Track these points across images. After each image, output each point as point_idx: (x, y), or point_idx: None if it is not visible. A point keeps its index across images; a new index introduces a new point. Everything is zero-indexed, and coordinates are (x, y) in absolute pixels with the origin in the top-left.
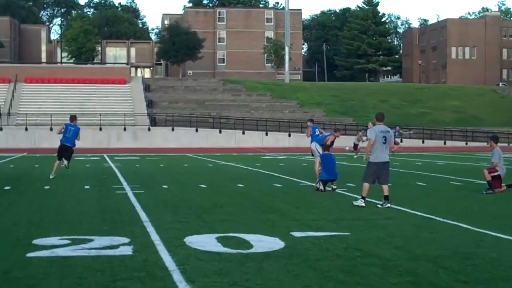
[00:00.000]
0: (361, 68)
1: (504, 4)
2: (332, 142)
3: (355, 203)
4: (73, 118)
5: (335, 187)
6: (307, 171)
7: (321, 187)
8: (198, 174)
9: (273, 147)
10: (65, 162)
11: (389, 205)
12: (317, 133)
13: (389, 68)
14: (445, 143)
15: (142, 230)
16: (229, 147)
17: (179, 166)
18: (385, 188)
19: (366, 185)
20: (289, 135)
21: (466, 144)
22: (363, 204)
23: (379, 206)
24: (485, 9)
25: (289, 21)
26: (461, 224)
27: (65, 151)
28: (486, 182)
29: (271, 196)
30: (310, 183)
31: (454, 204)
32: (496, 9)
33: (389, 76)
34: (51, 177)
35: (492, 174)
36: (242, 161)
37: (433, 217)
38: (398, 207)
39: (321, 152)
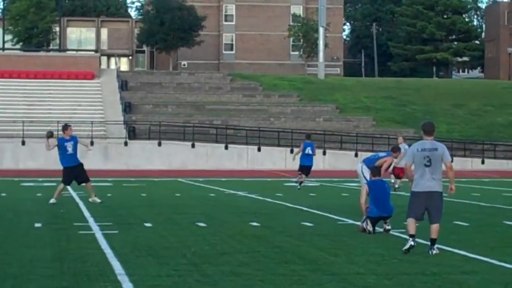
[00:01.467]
0: (426, 58)
1: None
2: (389, 166)
3: (404, 248)
4: (65, 127)
5: (389, 227)
6: (349, 204)
7: (369, 227)
8: (194, 207)
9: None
10: (89, 191)
11: (436, 251)
12: (308, 152)
13: (466, 58)
14: None
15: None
16: (238, 169)
17: (168, 196)
18: (433, 228)
19: (409, 221)
20: (324, 153)
21: None
22: (412, 243)
23: (431, 252)
24: None
25: None
26: None
27: (77, 172)
28: None
29: (297, 240)
30: (353, 222)
31: None
32: None
33: (467, 70)
34: (51, 202)
35: None
36: (257, 189)
37: None
38: (479, 256)
39: (369, 178)
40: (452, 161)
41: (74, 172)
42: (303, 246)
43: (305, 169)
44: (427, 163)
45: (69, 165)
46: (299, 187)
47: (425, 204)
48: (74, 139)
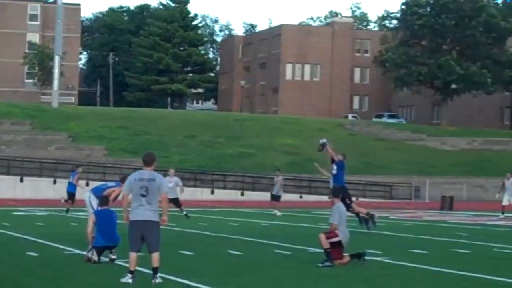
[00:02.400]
0: (162, 89)
1: (359, 8)
2: (117, 196)
3: (122, 280)
4: None
5: (114, 256)
6: (77, 233)
7: (95, 256)
8: None
9: (31, 199)
10: None
11: (158, 280)
12: (71, 180)
13: (200, 90)
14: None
15: None
16: None
17: None
18: (153, 257)
19: (130, 256)
20: (54, 182)
21: (301, 197)
22: (130, 281)
23: (153, 281)
24: (334, 14)
25: (61, 20)
26: None
27: None
28: (323, 250)
29: (21, 270)
30: (80, 251)
31: (279, 282)
32: (349, 13)
33: (201, 101)
34: None
35: (331, 240)
36: None
37: None
38: (201, 285)
39: (96, 208)
40: (182, 191)
41: None
42: (26, 277)
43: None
44: (144, 192)
45: None
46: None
47: (141, 233)
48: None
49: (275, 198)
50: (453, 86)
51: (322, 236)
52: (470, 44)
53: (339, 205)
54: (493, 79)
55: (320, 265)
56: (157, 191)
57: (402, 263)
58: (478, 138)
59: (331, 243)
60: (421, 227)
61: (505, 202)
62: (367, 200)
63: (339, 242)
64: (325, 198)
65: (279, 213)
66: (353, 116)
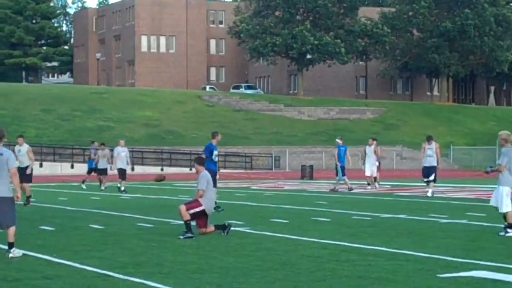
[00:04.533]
0: (15, 63)
1: None
2: None
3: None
4: None
5: None
6: None
7: None
8: None
9: None
10: None
11: (13, 254)
12: None
13: (55, 63)
14: (133, 168)
15: None
16: None
17: None
18: (8, 232)
19: None
20: None
21: (162, 169)
22: None
23: (7, 255)
24: None
25: None
26: (149, 282)
27: None
28: (183, 222)
29: None
30: None
31: (140, 255)
32: None
33: (56, 75)
34: None
35: (193, 211)
36: None
37: (111, 273)
38: (63, 260)
39: None
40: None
41: None
42: None
43: None
44: None
45: None
46: None
47: None
48: None
49: (102, 171)
50: (308, 56)
51: (183, 208)
52: (322, 14)
53: (205, 172)
54: (346, 49)
55: (181, 237)
56: (6, 165)
57: (264, 232)
58: (334, 107)
59: (194, 213)
60: (282, 196)
61: (367, 172)
62: (228, 171)
63: (203, 211)
64: (186, 170)
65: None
66: (210, 88)
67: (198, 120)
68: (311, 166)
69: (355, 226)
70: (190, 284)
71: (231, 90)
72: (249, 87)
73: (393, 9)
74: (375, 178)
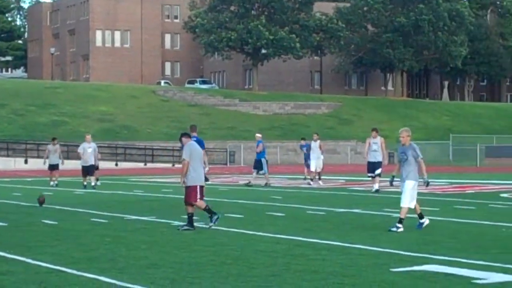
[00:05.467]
0: None
1: None
2: None
3: None
4: None
5: None
6: None
7: None
8: None
9: None
10: None
11: None
12: None
13: (9, 58)
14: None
15: None
16: None
17: None
18: None
19: None
20: None
21: (117, 165)
22: None
23: None
24: None
25: None
26: (102, 278)
27: None
28: (187, 214)
29: None
30: None
31: (94, 250)
32: None
33: (10, 69)
34: None
35: (198, 196)
36: None
37: (65, 269)
38: (17, 256)
39: None
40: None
41: None
42: None
43: None
44: None
45: None
46: None
47: None
48: None
49: (54, 167)
50: (263, 51)
51: (200, 203)
52: (277, 9)
53: (191, 142)
54: (301, 43)
55: (180, 228)
56: None
57: (219, 227)
58: (289, 102)
59: (200, 195)
60: (237, 191)
61: (312, 167)
62: None
63: (201, 187)
64: (141, 165)
65: (52, 183)
66: (165, 82)
67: (153, 115)
68: (266, 161)
69: (310, 221)
70: (144, 279)
71: (186, 85)
72: (204, 82)
73: (348, 4)
74: (319, 174)
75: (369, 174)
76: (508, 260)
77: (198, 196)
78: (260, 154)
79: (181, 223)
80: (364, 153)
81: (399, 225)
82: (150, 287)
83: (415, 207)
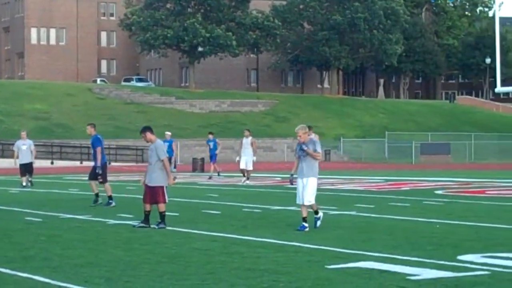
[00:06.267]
0: None
1: None
2: None
3: None
4: None
5: None
6: None
7: None
8: None
9: None
10: None
11: None
12: None
13: None
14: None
15: None
16: None
17: None
18: None
19: None
20: None
21: (52, 163)
22: None
23: None
24: None
25: None
26: (36, 277)
27: None
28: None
29: None
30: None
31: (27, 250)
32: None
33: None
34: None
35: (166, 196)
36: None
37: None
38: None
39: None
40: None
41: None
42: None
43: None
44: None
45: None
46: None
47: None
48: None
49: None
50: (200, 49)
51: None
52: (214, 7)
53: (159, 141)
54: (238, 41)
55: (155, 227)
56: None
57: (154, 226)
58: (226, 100)
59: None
60: (173, 189)
61: (242, 165)
62: (119, 164)
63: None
64: (76, 163)
65: None
66: (101, 80)
67: (89, 113)
68: (203, 159)
69: (245, 219)
70: (79, 278)
71: (122, 83)
72: (140, 80)
73: (284, 2)
74: (248, 172)
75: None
76: (441, 256)
77: (166, 196)
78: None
79: (135, 222)
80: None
81: (306, 224)
82: (85, 286)
83: (312, 205)
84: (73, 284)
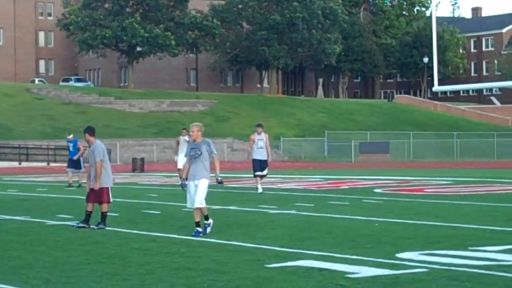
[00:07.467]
0: None
1: None
2: None
3: None
4: None
5: None
6: None
7: None
8: None
9: None
10: None
11: None
12: None
13: None
14: None
15: None
16: None
17: None
18: None
19: None
20: None
21: None
22: None
23: None
24: None
25: None
26: None
27: None
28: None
29: None
30: None
31: None
32: None
33: None
34: None
35: (111, 196)
36: None
37: None
38: None
39: None
40: None
41: None
42: None
43: None
44: None
45: None
46: None
47: None
48: None
49: None
50: (138, 48)
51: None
52: (152, 6)
53: (99, 142)
54: (177, 41)
55: (95, 227)
56: None
57: (93, 226)
58: (165, 100)
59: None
60: (113, 189)
61: (179, 165)
62: (58, 164)
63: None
64: (15, 164)
65: None
66: (39, 80)
67: (27, 114)
68: (142, 159)
69: (185, 219)
70: (17, 280)
71: (61, 83)
72: (79, 80)
73: (222, 2)
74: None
75: (257, 173)
76: (380, 254)
77: (111, 196)
78: (72, 153)
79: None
80: (249, 150)
81: (200, 229)
82: (24, 287)
83: (202, 209)
84: (11, 286)
